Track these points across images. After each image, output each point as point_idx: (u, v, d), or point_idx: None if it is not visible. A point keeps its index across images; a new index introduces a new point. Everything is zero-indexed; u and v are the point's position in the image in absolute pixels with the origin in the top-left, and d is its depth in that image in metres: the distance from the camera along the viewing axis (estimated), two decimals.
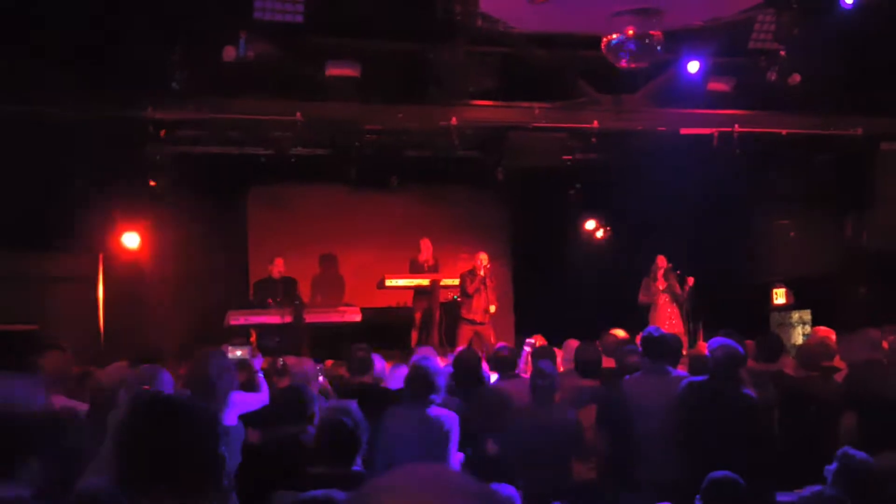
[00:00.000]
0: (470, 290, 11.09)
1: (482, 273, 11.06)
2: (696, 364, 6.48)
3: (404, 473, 1.40)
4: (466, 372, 5.89)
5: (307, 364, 6.39)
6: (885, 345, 6.03)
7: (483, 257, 11.19)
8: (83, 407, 5.18)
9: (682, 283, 11.58)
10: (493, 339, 10.77)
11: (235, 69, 9.07)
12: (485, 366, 7.66)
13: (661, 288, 11.56)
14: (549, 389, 5.64)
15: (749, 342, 6.73)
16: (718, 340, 5.67)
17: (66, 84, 8.91)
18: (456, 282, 11.34)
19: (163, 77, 9.07)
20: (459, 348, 10.31)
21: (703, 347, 7.37)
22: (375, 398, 5.41)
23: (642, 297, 11.68)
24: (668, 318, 11.33)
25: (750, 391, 5.50)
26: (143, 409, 2.31)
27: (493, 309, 11.27)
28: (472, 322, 11.11)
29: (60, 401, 5.05)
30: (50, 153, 9.50)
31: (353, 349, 6.46)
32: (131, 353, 5.74)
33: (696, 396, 5.41)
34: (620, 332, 8.18)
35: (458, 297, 11.43)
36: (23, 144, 9.14)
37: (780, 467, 5.31)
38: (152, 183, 10.41)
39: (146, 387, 4.60)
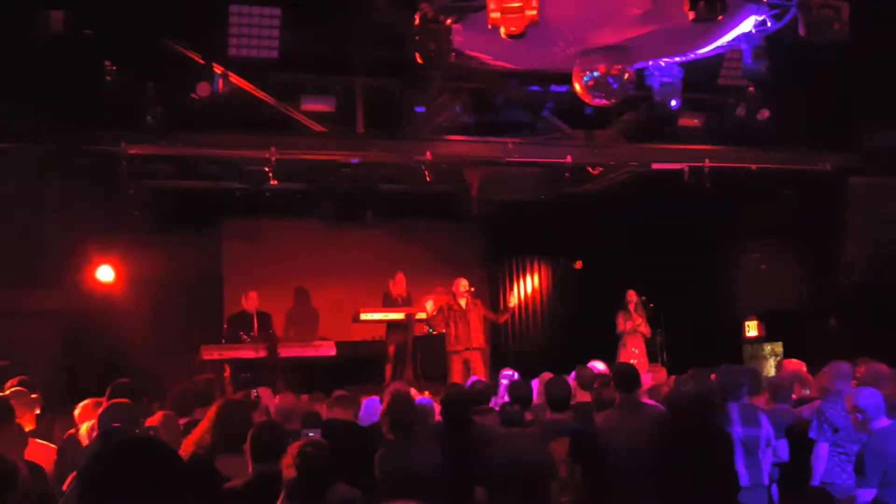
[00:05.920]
0: (441, 328, 10.91)
1: (463, 303, 10.87)
2: (670, 398, 6.50)
3: None
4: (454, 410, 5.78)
5: (289, 400, 6.34)
6: (858, 374, 6.07)
7: (463, 283, 10.98)
8: (51, 447, 5.13)
9: (652, 315, 11.67)
10: (478, 367, 10.65)
11: (210, 104, 9.08)
12: None
13: (637, 322, 11.61)
14: (521, 421, 5.63)
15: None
16: (692, 375, 5.72)
17: (39, 119, 8.88)
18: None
19: (137, 112, 9.05)
20: (453, 381, 10.23)
21: (674, 381, 7.41)
22: (342, 434, 5.39)
23: (621, 329, 11.69)
24: (634, 353, 11.39)
25: (723, 425, 5.54)
26: (112, 448, 2.30)
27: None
28: (457, 352, 10.84)
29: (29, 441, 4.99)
30: (23, 187, 9.45)
31: None
32: (103, 390, 5.66)
33: (671, 431, 5.42)
34: (600, 365, 8.13)
35: (434, 331, 11.30)
36: None
37: None
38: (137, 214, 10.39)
39: (117, 424, 4.57)
